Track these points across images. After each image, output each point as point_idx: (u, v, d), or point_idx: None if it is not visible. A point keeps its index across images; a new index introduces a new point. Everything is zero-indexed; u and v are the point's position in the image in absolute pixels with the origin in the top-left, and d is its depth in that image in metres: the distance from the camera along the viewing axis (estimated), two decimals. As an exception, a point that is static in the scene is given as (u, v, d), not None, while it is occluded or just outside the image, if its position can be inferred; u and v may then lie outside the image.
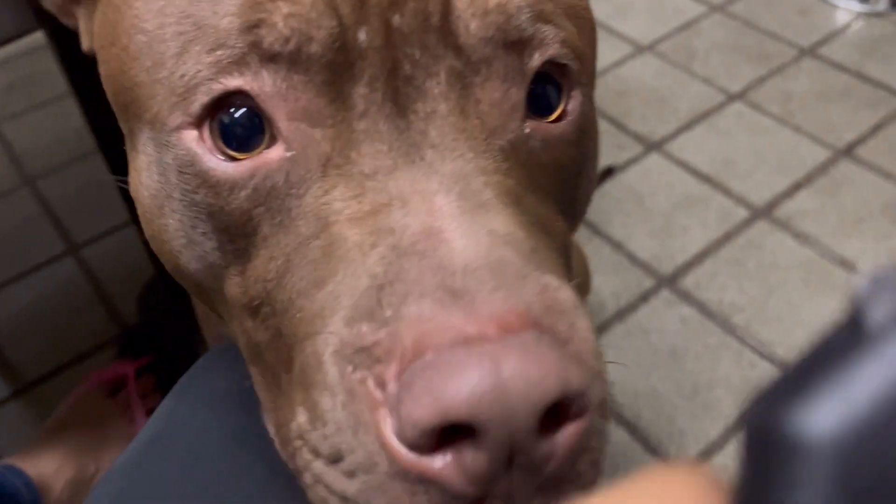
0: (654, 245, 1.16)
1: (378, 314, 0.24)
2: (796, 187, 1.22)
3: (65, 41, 0.85)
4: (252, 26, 0.27)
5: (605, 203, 1.22)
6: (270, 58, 0.27)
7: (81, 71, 0.89)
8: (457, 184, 0.27)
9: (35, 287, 1.14)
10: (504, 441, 0.22)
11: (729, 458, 0.93)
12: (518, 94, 0.30)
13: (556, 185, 0.32)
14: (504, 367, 0.22)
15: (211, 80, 0.27)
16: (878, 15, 1.51)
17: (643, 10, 1.58)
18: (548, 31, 0.30)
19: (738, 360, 1.03)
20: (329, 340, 0.25)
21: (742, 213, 1.19)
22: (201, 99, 0.28)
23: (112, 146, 1.05)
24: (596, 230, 1.19)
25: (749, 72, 1.42)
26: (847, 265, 1.11)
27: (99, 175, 1.15)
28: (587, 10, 0.35)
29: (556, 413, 0.23)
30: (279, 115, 0.28)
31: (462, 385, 0.22)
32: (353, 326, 0.25)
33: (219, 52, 0.27)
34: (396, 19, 0.28)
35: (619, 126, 1.35)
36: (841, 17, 1.52)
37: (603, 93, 1.41)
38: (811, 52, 1.45)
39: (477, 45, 0.29)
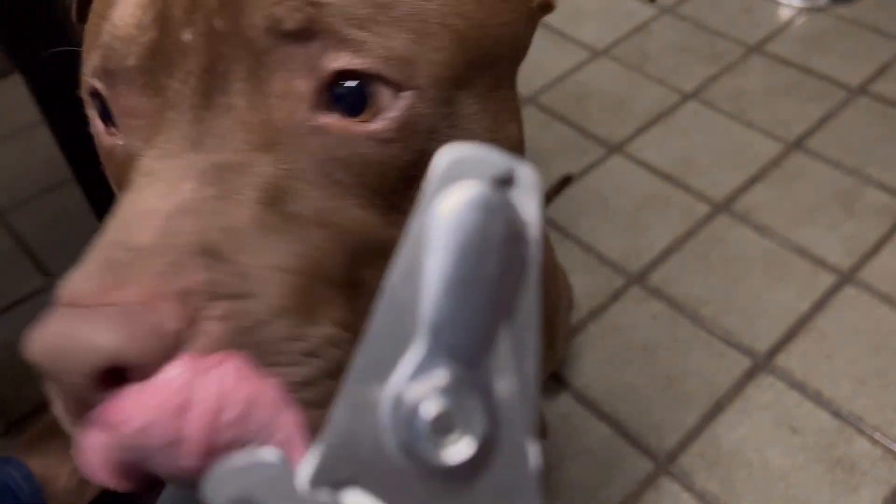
0: (622, 244, 1.21)
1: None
2: (752, 181, 1.27)
3: (37, 71, 0.86)
4: (95, 47, 0.34)
5: (572, 206, 1.27)
6: (102, 71, 0.34)
7: (55, 98, 0.90)
8: (210, 173, 0.30)
9: (14, 324, 1.15)
10: (67, 389, 0.26)
11: (707, 446, 0.97)
12: (305, 86, 0.31)
13: (371, 182, 0.33)
14: (66, 328, 0.26)
15: (88, 77, 0.35)
16: (819, 10, 1.57)
17: (595, 15, 1.63)
18: (353, 35, 0.31)
19: (708, 350, 1.07)
20: None
21: (703, 208, 1.24)
22: (87, 87, 0.36)
23: (88, 175, 1.05)
24: (565, 233, 1.23)
25: (701, 71, 1.48)
26: (805, 253, 1.16)
27: (73, 205, 1.16)
28: (448, 14, 0.33)
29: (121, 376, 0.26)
30: (115, 111, 0.34)
31: (39, 336, 0.26)
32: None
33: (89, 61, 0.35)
34: (217, 21, 0.31)
35: (581, 131, 1.39)
36: (784, 14, 1.58)
37: (563, 98, 1.45)
38: (758, 48, 1.51)
39: (260, 37, 0.31)
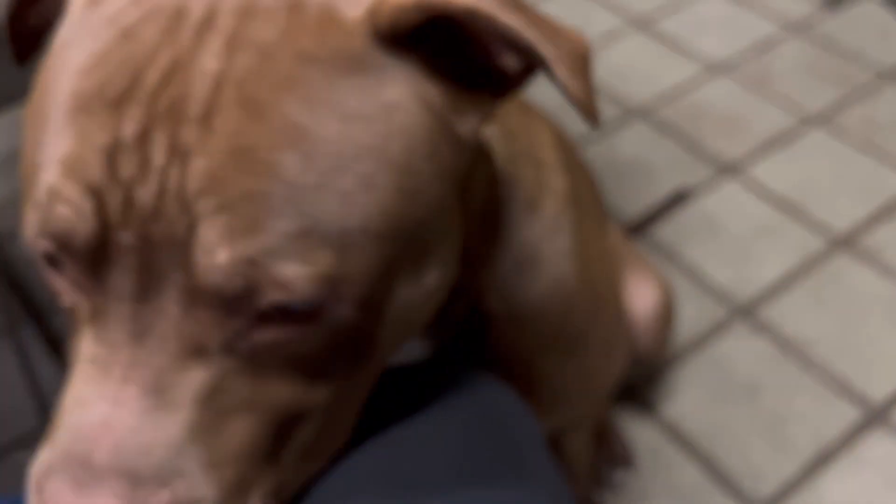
0: (729, 273, 1.14)
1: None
2: (878, 217, 1.18)
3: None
4: (33, 204, 0.33)
5: (678, 227, 1.21)
6: (44, 236, 0.33)
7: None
8: (149, 380, 0.32)
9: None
10: None
11: (808, 498, 0.91)
12: (236, 322, 0.32)
13: (298, 365, 0.34)
14: None
15: (30, 234, 0.33)
16: (965, 37, 1.46)
17: (717, 28, 1.55)
18: (281, 277, 0.31)
19: (817, 395, 1.00)
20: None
21: (821, 242, 1.16)
22: (30, 241, 0.34)
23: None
24: (669, 256, 1.17)
25: (828, 95, 1.39)
26: (932, 300, 1.07)
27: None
28: (370, 217, 0.33)
29: None
30: (63, 275, 0.33)
31: None
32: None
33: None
34: (154, 228, 0.31)
35: (693, 148, 1.33)
36: (925, 39, 1.47)
37: (675, 113, 1.39)
38: (892, 75, 1.41)
39: (206, 284, 0.31)
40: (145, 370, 0.32)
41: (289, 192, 0.30)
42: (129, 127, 0.31)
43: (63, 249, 0.32)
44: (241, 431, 0.33)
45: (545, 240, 0.50)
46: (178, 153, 0.30)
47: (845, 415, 0.98)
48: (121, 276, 0.32)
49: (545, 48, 0.33)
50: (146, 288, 0.32)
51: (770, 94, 1.40)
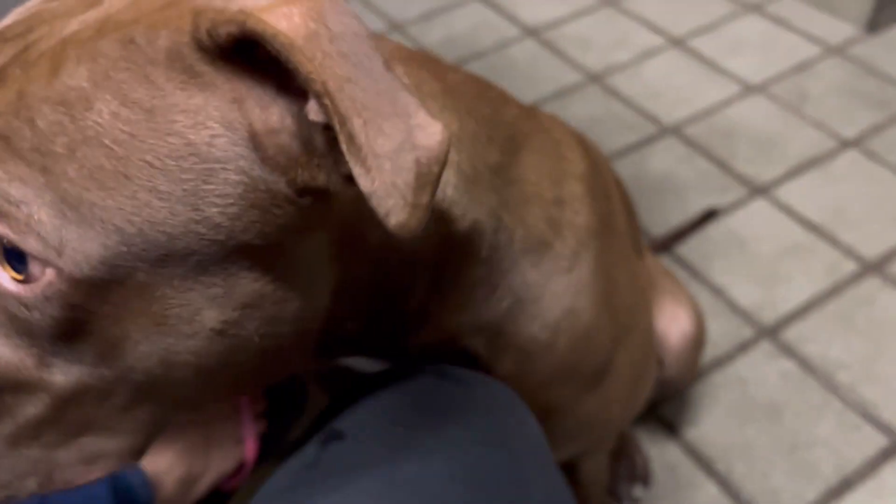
0: (756, 293, 1.13)
1: None
2: (912, 242, 1.17)
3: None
4: None
5: (706, 245, 1.20)
6: None
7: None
8: None
9: None
10: None
11: (827, 524, 0.89)
12: None
13: (19, 332, 0.35)
14: None
15: None
16: None
17: (754, 48, 1.54)
18: (6, 210, 0.32)
19: (842, 420, 0.98)
20: None
21: (851, 265, 1.15)
22: None
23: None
24: (695, 273, 1.16)
25: (865, 118, 1.37)
26: (965, 329, 1.05)
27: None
28: (120, 212, 0.33)
29: None
30: None
31: None
32: None
33: None
34: None
35: (724, 167, 1.32)
36: (968, 65, 1.45)
37: (708, 132, 1.38)
38: (934, 100, 1.39)
39: None
40: None
41: (38, 142, 0.32)
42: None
43: None
44: None
45: (554, 277, 0.50)
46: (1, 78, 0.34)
47: (870, 441, 0.96)
48: None
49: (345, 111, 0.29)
50: None
51: (805, 116, 1.39)
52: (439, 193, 0.44)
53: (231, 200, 0.33)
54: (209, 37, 0.31)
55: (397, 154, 0.30)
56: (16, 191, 0.31)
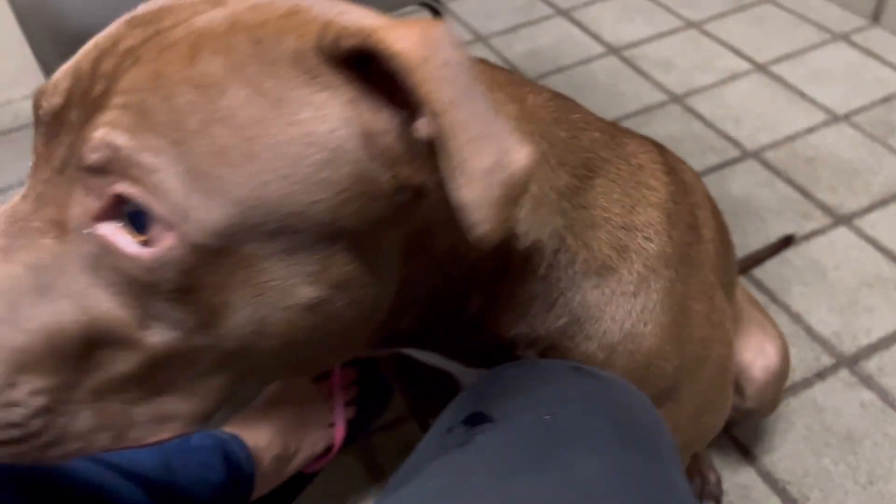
0: (836, 322, 1.12)
1: None
2: None
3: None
4: None
5: (786, 271, 1.19)
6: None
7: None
8: (12, 228, 0.37)
9: None
10: None
11: (903, 558, 0.88)
12: (91, 203, 0.36)
13: (130, 292, 0.37)
14: None
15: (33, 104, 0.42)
16: None
17: (840, 78, 1.53)
18: (137, 173, 0.35)
19: (921, 455, 0.97)
20: None
21: (936, 300, 1.13)
22: None
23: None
24: (773, 298, 1.16)
25: (954, 153, 1.35)
26: None
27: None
28: (246, 183, 0.36)
29: None
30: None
31: None
32: None
33: None
34: (91, 112, 0.37)
35: (806, 194, 1.31)
36: None
37: (791, 158, 1.38)
38: None
39: (82, 152, 0.36)
40: (17, 217, 0.38)
41: (173, 117, 0.35)
42: (125, 43, 0.38)
43: (37, 109, 0.39)
44: (49, 317, 0.36)
45: (616, 299, 0.51)
46: (131, 56, 0.37)
47: (950, 478, 0.95)
48: (59, 145, 0.38)
49: (451, 122, 0.33)
50: (66, 162, 0.37)
51: (891, 148, 1.38)
52: None
53: (341, 188, 0.37)
54: (333, 46, 0.36)
55: (490, 173, 0.33)
56: (149, 159, 0.35)
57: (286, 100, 0.36)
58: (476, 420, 0.43)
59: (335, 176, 0.37)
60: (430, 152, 0.36)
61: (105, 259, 0.37)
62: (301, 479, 0.86)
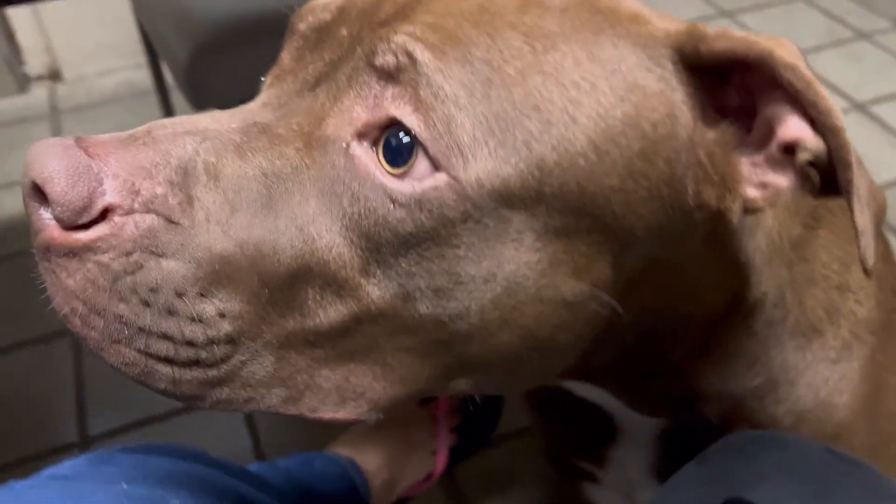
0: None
1: None
2: None
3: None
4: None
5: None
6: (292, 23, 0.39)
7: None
8: (254, 129, 0.34)
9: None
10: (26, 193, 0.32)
11: None
12: (361, 113, 0.33)
13: (365, 227, 0.33)
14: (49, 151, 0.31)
15: (297, 13, 0.40)
16: None
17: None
18: (426, 100, 0.32)
19: None
20: None
21: None
22: None
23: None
24: None
25: None
26: None
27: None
28: (551, 143, 0.33)
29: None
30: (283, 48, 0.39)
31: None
32: None
33: None
34: (364, 32, 0.35)
35: (908, 243, 1.27)
36: None
37: (889, 203, 1.34)
38: None
39: (361, 58, 0.34)
40: (266, 120, 0.35)
41: (491, 56, 0.33)
42: None
43: (299, 24, 0.38)
44: (265, 233, 0.33)
45: (816, 365, 0.48)
46: None
47: None
48: (317, 59, 0.36)
49: (848, 159, 0.31)
50: (322, 76, 0.35)
51: None
52: (748, 258, 0.44)
53: (648, 183, 0.35)
54: (694, 44, 0.34)
55: (868, 202, 0.32)
56: (450, 88, 0.32)
57: (620, 74, 0.34)
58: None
59: (647, 169, 0.34)
60: (733, 178, 0.35)
61: (350, 184, 0.33)
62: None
